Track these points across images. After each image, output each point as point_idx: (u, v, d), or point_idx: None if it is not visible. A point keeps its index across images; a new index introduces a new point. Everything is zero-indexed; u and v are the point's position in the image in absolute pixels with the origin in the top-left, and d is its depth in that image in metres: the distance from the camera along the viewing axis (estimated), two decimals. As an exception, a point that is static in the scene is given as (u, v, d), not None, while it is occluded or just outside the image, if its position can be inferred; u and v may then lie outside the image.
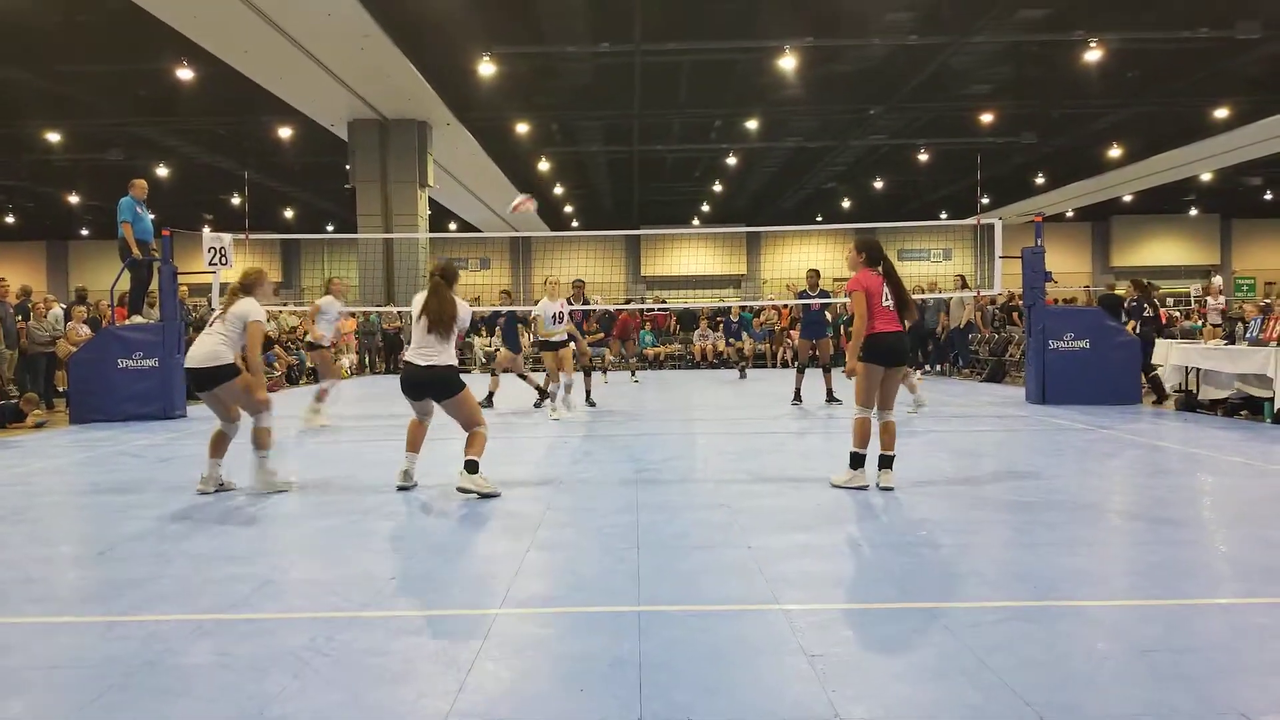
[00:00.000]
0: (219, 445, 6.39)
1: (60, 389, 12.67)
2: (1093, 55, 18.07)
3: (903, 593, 3.84)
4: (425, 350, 6.00)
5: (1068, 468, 6.99)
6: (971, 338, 17.81)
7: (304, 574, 4.31)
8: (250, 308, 6.22)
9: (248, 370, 6.17)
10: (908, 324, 6.13)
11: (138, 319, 11.85)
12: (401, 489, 6.22)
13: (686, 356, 22.97)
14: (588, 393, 12.57)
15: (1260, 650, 3.16)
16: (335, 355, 20.93)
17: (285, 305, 29.28)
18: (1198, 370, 11.04)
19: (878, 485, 6.00)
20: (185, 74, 18.56)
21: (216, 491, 6.29)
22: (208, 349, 6.10)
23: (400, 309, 21.68)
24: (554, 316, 11.02)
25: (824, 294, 12.38)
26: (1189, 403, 10.86)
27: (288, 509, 5.91)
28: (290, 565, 4.46)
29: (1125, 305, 13.67)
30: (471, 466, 5.95)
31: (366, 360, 22.86)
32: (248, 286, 6.32)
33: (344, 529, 5.16)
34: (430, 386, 6.03)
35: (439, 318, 5.95)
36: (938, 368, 18.46)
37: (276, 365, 17.60)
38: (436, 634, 3.43)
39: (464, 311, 6.14)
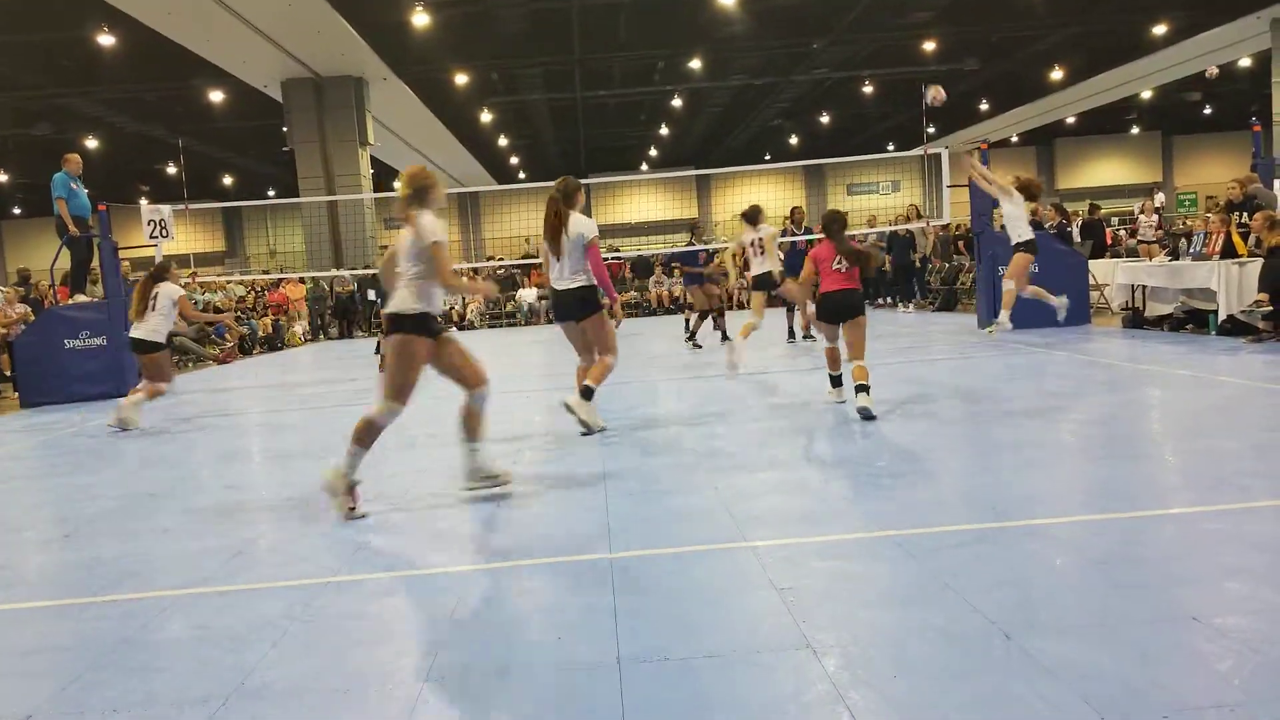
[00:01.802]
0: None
1: (6, 373, 12.37)
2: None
3: (867, 522, 3.94)
4: (558, 273, 6.20)
5: (1019, 389, 7.16)
6: (925, 268, 17.96)
7: (272, 543, 4.31)
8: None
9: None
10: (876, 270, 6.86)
11: (81, 298, 11.57)
12: (585, 434, 6.21)
13: (643, 304, 22.95)
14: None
15: (1210, 557, 3.29)
16: (286, 323, 20.65)
17: (231, 275, 28.71)
18: (1143, 287, 11.30)
19: (858, 411, 6.15)
20: (108, 40, 17.96)
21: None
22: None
23: (350, 271, 21.40)
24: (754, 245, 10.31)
25: (808, 230, 12.45)
26: (1135, 320, 11.11)
27: (250, 480, 5.88)
28: (258, 536, 4.45)
29: (1048, 228, 13.88)
30: (587, 393, 6.08)
31: (320, 325, 22.53)
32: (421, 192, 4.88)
33: (310, 498, 5.13)
34: (569, 306, 6.20)
35: (550, 232, 6.12)
36: (887, 300, 18.53)
37: (228, 336, 17.31)
38: (411, 593, 3.47)
39: (580, 226, 6.14)
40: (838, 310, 6.58)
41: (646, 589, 3.30)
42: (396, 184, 5.32)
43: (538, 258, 12.12)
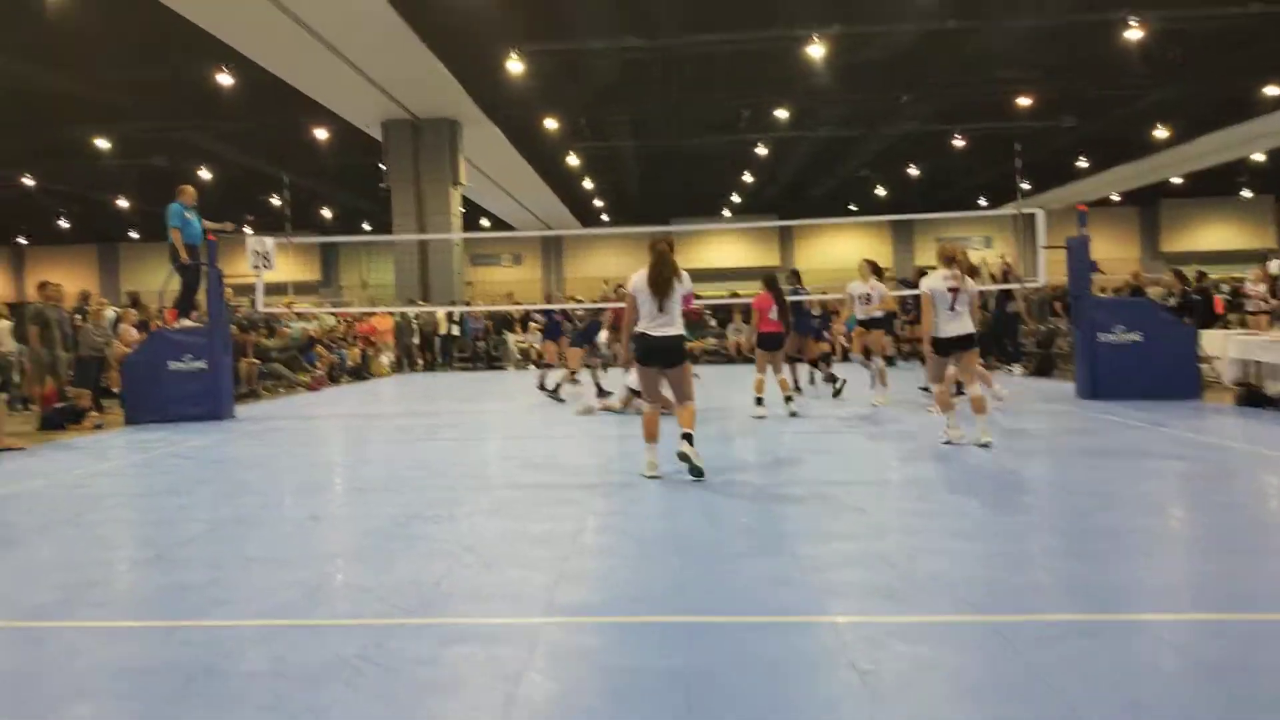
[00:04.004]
0: None
1: (114, 390, 12.95)
2: (1134, 34, 17.67)
3: (955, 604, 3.74)
4: (655, 321, 6.44)
5: (1124, 469, 6.71)
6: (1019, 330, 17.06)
7: (352, 579, 4.39)
8: None
9: None
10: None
11: (186, 322, 12.09)
12: (652, 478, 6.43)
13: (721, 350, 22.87)
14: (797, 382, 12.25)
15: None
16: (374, 354, 21.19)
17: (323, 305, 29.63)
18: (1257, 363, 10.59)
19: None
20: (225, 79, 18.85)
21: None
22: None
23: (435, 307, 21.90)
24: (861, 298, 11.44)
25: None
26: (1251, 397, 10.09)
27: (331, 511, 6.02)
28: (338, 570, 4.54)
29: (1168, 298, 13.15)
30: (689, 439, 6.42)
31: (406, 357, 23.03)
32: None
33: (389, 532, 5.23)
34: (664, 354, 6.49)
35: (659, 279, 6.37)
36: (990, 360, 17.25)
37: (319, 364, 17.83)
38: (484, 642, 3.47)
39: (685, 280, 6.53)
40: (772, 343, 10.10)
41: (719, 658, 3.23)
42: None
43: (615, 300, 12.23)
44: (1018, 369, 16.01)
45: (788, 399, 10.19)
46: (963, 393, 8.61)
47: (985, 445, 7.43)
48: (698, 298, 7.96)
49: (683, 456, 6.39)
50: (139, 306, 15.27)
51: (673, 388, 6.65)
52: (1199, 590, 4.03)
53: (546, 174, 30.66)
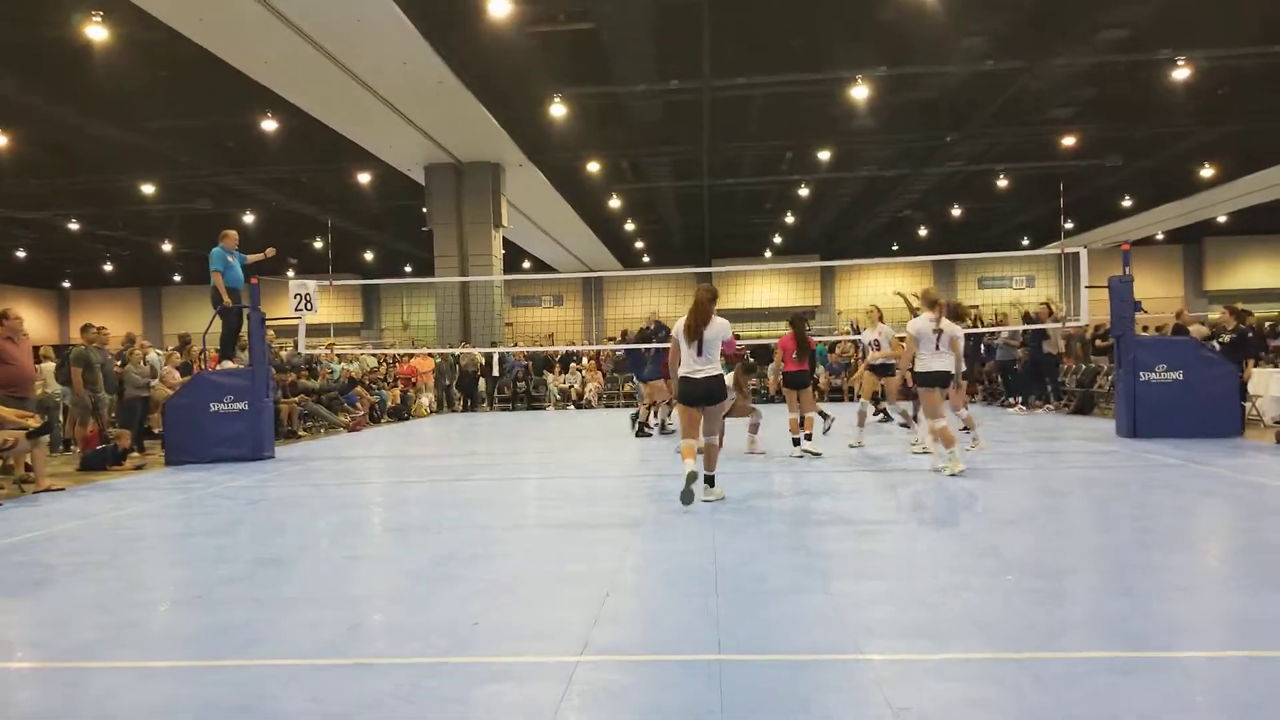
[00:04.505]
0: None
1: (155, 431, 13.14)
2: (1180, 74, 17.57)
3: (988, 641, 3.72)
4: (694, 365, 7.04)
5: (1163, 507, 6.71)
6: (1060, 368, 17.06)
7: (388, 618, 4.37)
8: None
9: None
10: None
11: (228, 364, 12.27)
12: (688, 490, 6.80)
13: (761, 390, 22.77)
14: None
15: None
16: (414, 394, 21.37)
17: (365, 346, 30.00)
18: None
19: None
20: (269, 125, 19.34)
21: None
22: None
23: (477, 349, 22.08)
24: (871, 344, 11.67)
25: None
26: None
27: (369, 551, 6.03)
28: (374, 609, 4.53)
29: (1224, 336, 13.02)
30: (710, 481, 7.21)
31: (446, 398, 23.21)
32: None
33: (425, 572, 5.22)
34: (704, 392, 7.05)
35: (692, 325, 6.99)
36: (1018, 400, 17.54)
37: (359, 405, 18.00)
38: (518, 682, 3.44)
39: (720, 326, 7.10)
40: (792, 381, 10.26)
41: (755, 697, 3.19)
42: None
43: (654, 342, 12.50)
44: (1050, 408, 16.23)
45: (795, 441, 10.25)
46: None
47: (958, 474, 8.13)
48: (738, 338, 8.36)
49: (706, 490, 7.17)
50: (185, 349, 15.53)
51: (706, 421, 7.19)
52: (1231, 626, 3.97)
53: (588, 216, 30.96)
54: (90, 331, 12.33)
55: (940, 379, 8.55)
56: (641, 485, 8.49)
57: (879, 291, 12.00)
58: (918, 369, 8.65)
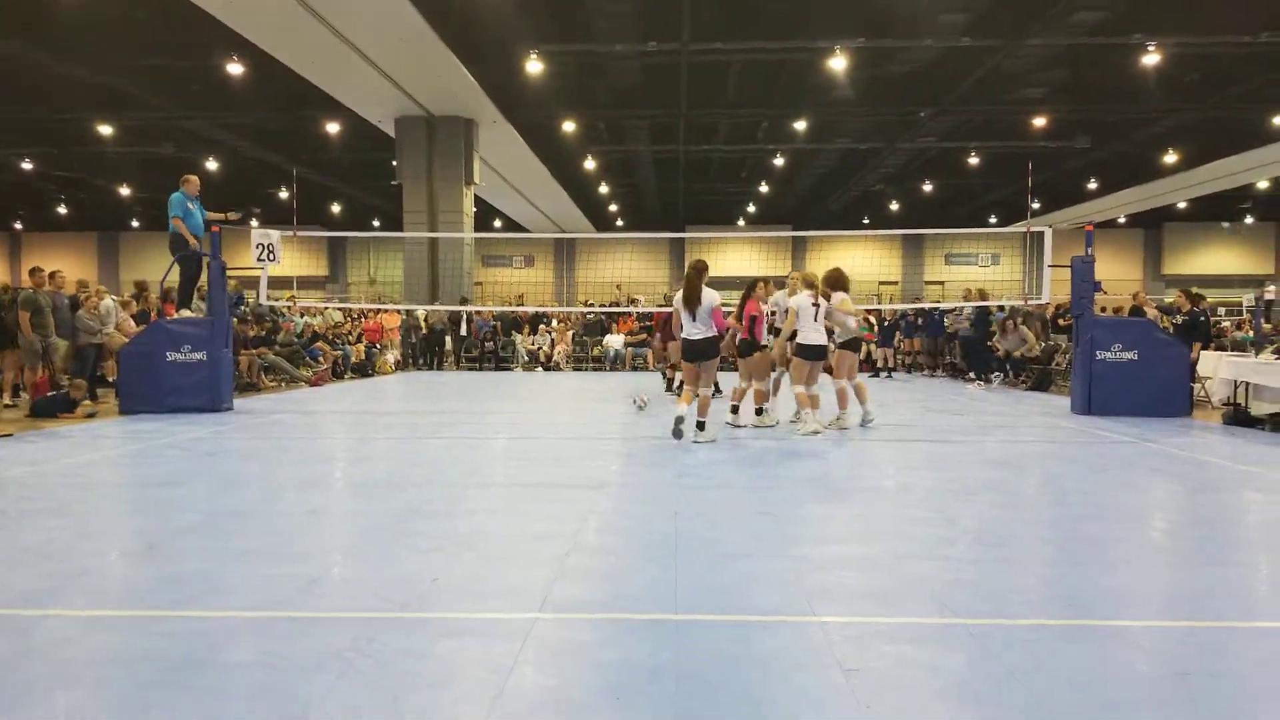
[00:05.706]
0: None
1: (109, 379, 12.91)
2: (1151, 59, 17.71)
3: (940, 607, 3.80)
4: (691, 328, 8.53)
5: (1110, 482, 6.87)
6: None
7: (347, 573, 4.36)
8: None
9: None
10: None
11: (186, 313, 12.04)
12: (678, 429, 8.48)
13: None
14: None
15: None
16: (379, 351, 21.21)
17: (330, 301, 29.65)
18: (1247, 384, 10.81)
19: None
20: (236, 69, 18.89)
21: None
22: None
23: (445, 307, 21.94)
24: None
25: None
26: (1238, 416, 10.57)
27: (330, 506, 5.99)
28: (333, 564, 4.51)
29: (1178, 318, 13.37)
30: (701, 426, 8.57)
31: (411, 356, 23.04)
32: None
33: (387, 528, 5.21)
34: (698, 351, 8.56)
35: (694, 300, 8.40)
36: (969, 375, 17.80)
37: (322, 360, 17.83)
38: (475, 637, 3.45)
39: (711, 296, 8.44)
40: (745, 349, 9.96)
41: (709, 656, 3.23)
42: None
43: (623, 306, 12.78)
44: (996, 380, 16.89)
45: (758, 410, 10.04)
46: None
47: (845, 428, 9.65)
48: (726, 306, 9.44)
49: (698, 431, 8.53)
50: (142, 296, 15.19)
51: (700, 375, 8.63)
52: (1172, 597, 4.14)
53: (562, 176, 30.71)
54: (39, 274, 12.04)
55: (817, 353, 9.42)
56: (609, 448, 8.51)
57: (850, 264, 11.87)
58: (799, 341, 9.40)
